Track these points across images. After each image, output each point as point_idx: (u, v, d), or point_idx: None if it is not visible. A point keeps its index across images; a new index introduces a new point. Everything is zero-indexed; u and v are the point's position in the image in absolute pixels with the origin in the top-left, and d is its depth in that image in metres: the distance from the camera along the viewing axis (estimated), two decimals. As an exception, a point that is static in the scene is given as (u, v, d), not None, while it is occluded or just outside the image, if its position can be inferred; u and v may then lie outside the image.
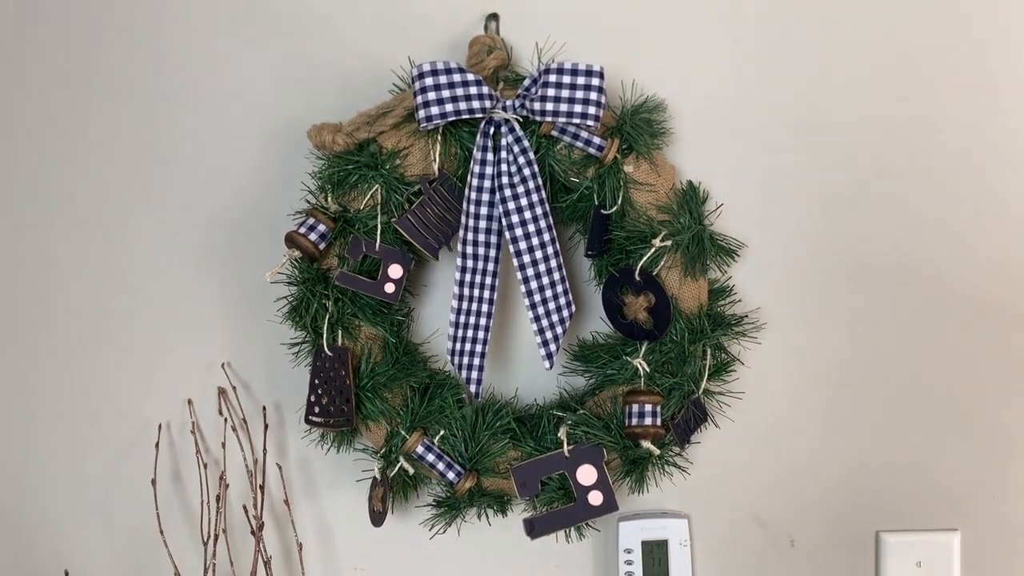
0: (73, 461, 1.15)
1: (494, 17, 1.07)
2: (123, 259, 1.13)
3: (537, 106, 0.97)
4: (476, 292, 1.03)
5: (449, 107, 0.97)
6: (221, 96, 1.11)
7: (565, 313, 1.02)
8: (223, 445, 1.13)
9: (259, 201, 1.12)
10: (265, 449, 1.12)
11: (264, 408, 1.14)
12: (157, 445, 1.13)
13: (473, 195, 1.01)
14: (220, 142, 1.12)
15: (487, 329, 1.04)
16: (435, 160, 1.01)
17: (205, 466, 1.13)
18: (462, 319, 1.03)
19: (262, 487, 1.11)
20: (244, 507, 1.10)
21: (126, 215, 1.13)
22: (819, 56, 1.09)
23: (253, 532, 1.08)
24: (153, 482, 1.11)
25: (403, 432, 1.05)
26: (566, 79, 0.97)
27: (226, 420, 1.13)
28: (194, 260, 1.13)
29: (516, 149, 0.99)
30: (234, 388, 1.14)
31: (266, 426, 1.13)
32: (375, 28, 1.09)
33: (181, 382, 1.14)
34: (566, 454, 1.03)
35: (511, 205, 0.99)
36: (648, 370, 1.03)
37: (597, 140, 1.00)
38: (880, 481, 1.14)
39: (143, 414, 1.14)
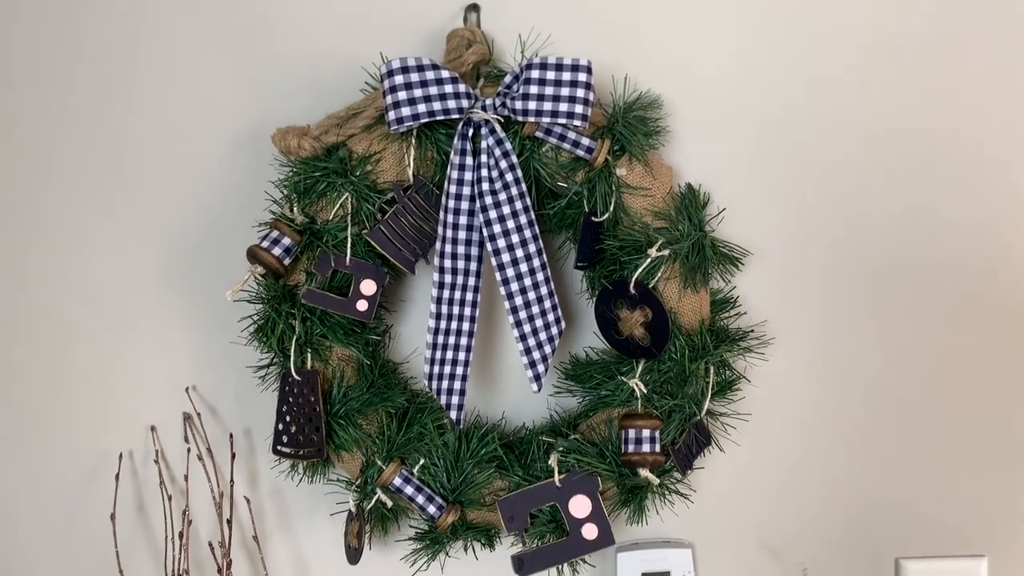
0: (27, 495, 1.09)
1: (474, 8, 1.02)
2: (79, 277, 1.07)
3: (519, 105, 0.91)
4: (455, 310, 0.96)
5: (422, 107, 0.90)
6: (179, 99, 1.05)
7: (554, 331, 0.96)
8: (185, 478, 1.05)
9: (223, 212, 1.06)
10: (232, 480, 1.05)
11: (231, 435, 1.07)
12: (117, 476, 1.06)
13: (451, 203, 0.94)
14: (179, 149, 1.05)
15: (468, 350, 0.97)
16: (410, 165, 0.95)
17: (170, 498, 1.06)
18: (440, 339, 0.96)
19: (230, 521, 1.03)
20: (210, 544, 1.02)
21: (80, 229, 1.06)
22: (828, 48, 1.04)
23: (220, 571, 1.00)
24: (112, 517, 1.04)
25: (379, 462, 0.98)
26: (550, 75, 0.90)
27: (189, 450, 1.05)
28: (155, 276, 1.07)
29: (497, 152, 0.93)
30: (198, 414, 1.07)
31: (233, 455, 1.06)
32: (346, 22, 1.03)
33: (143, 408, 1.08)
34: (557, 484, 0.97)
35: (493, 213, 0.93)
36: (645, 391, 0.97)
37: (586, 141, 0.94)
38: (899, 504, 1.09)
39: (102, 443, 1.08)
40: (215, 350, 1.07)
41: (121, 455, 1.07)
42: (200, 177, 1.05)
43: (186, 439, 1.07)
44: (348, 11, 1.03)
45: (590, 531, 0.96)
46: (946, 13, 1.03)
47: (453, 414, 0.97)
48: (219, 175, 1.05)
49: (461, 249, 0.95)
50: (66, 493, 1.08)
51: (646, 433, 0.95)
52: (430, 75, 0.90)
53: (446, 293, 0.95)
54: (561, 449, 0.98)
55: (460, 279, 0.96)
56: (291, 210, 0.96)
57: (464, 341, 0.96)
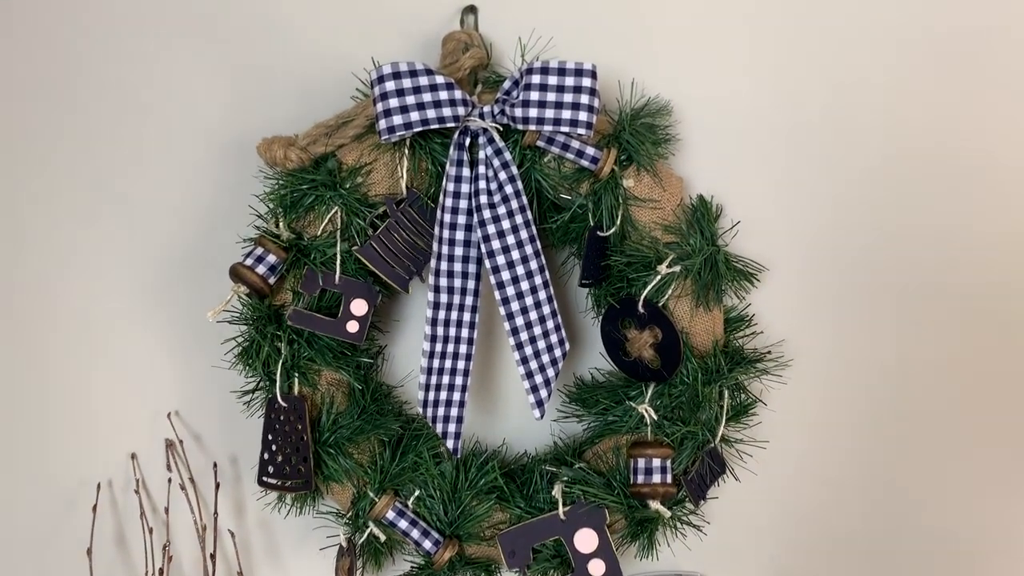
0: None
1: (472, 10, 0.97)
2: (55, 296, 1.02)
3: (519, 112, 0.86)
4: (452, 331, 0.91)
5: (415, 116, 0.85)
6: (158, 107, 1.00)
7: (557, 353, 0.91)
8: (166, 510, 1.00)
9: (205, 228, 1.01)
10: (216, 512, 1.00)
11: (215, 464, 1.02)
12: (95, 508, 1.01)
13: (447, 217, 0.89)
14: (157, 160, 1.01)
15: (466, 374, 0.92)
16: (403, 177, 0.91)
17: (151, 531, 1.00)
18: (436, 363, 0.90)
19: (213, 556, 0.98)
20: (193, 580, 0.97)
21: (54, 246, 1.02)
22: (850, 50, 0.99)
23: (203, 610, 0.95)
24: (89, 552, 0.99)
25: (371, 494, 0.93)
26: (552, 80, 0.85)
27: (170, 480, 1.00)
28: (134, 295, 1.02)
29: (496, 163, 0.88)
30: (181, 442, 1.02)
31: (217, 485, 1.01)
32: (335, 25, 0.99)
33: (123, 434, 1.03)
34: (562, 516, 0.93)
35: (491, 228, 0.88)
36: (656, 418, 0.92)
37: (591, 150, 0.90)
38: (928, 537, 1.05)
39: (79, 472, 1.03)
40: (199, 374, 1.02)
41: (99, 485, 1.02)
42: (180, 190, 1.01)
43: (169, 467, 1.02)
44: (338, 13, 0.99)
45: (597, 567, 0.92)
46: (979, 14, 0.98)
47: (450, 443, 0.92)
48: (201, 188, 1.01)
49: (458, 266, 0.90)
50: (40, 525, 1.04)
51: (656, 463, 0.91)
52: (424, 81, 0.85)
53: (442, 314, 0.90)
54: (566, 479, 0.93)
55: (457, 298, 0.90)
56: (277, 225, 0.92)
57: (461, 365, 0.91)
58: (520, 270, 0.88)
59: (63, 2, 0.98)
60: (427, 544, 0.92)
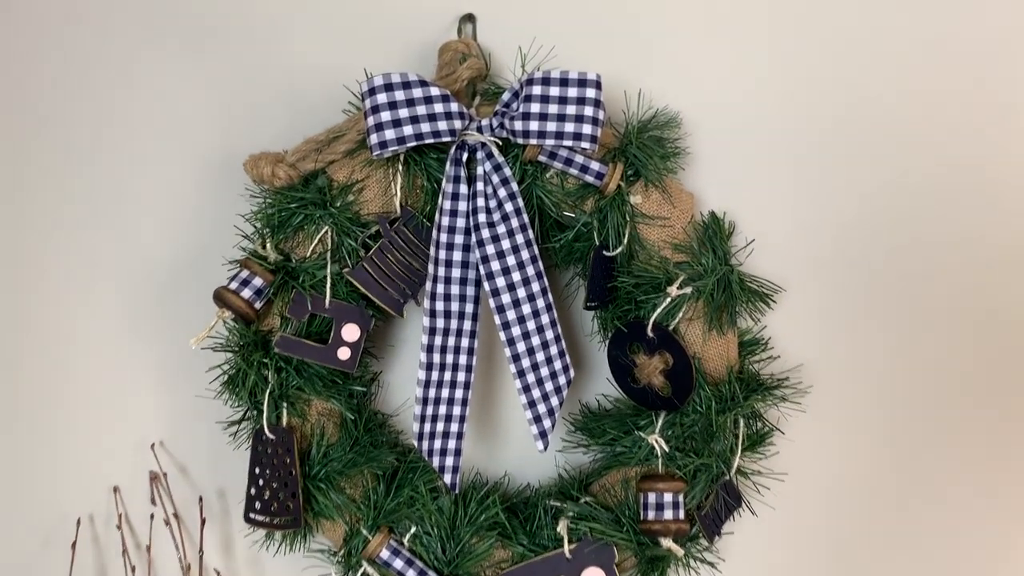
0: (-25, 566, 1.01)
1: (470, 18, 0.95)
2: (33, 322, 0.99)
3: (519, 125, 0.83)
4: (449, 358, 0.87)
5: (408, 130, 0.82)
6: (140, 122, 0.98)
7: (561, 380, 0.87)
8: (148, 549, 0.97)
9: (189, 249, 0.99)
10: (202, 549, 0.96)
11: (201, 499, 0.99)
12: (74, 545, 0.97)
13: (443, 237, 0.86)
14: (139, 178, 0.98)
15: (464, 404, 0.88)
16: (396, 195, 0.88)
17: (133, 569, 0.97)
18: (432, 393, 0.86)
19: (198, 597, 0.93)
20: (176, 624, 0.92)
21: (34, 270, 0.99)
22: (867, 60, 0.96)
23: (186, 656, 0.90)
24: None
25: (364, 531, 0.89)
26: (554, 91, 0.82)
27: (153, 516, 0.96)
28: (117, 320, 1.00)
29: (495, 179, 0.85)
30: (165, 474, 0.98)
31: (203, 520, 0.97)
32: (327, 36, 0.97)
33: (105, 466, 1.00)
34: (567, 555, 0.89)
35: (490, 248, 0.84)
36: (667, 449, 0.88)
37: (595, 165, 0.87)
38: (956, 572, 1.01)
39: (59, 506, 1.00)
40: (184, 402, 0.99)
41: (79, 520, 0.99)
42: (163, 209, 0.98)
43: (153, 501, 0.98)
44: (330, 23, 0.96)
45: (605, 608, 0.88)
46: (999, 21, 0.95)
47: (447, 478, 0.88)
48: (184, 207, 0.98)
49: (455, 289, 0.86)
50: (15, 563, 1.00)
51: (668, 497, 0.87)
52: (418, 93, 0.82)
53: (438, 340, 0.86)
54: (571, 515, 0.90)
55: (454, 323, 0.87)
56: (263, 246, 0.88)
57: (460, 394, 0.87)
58: (521, 292, 0.85)
59: (50, 13, 0.96)
60: (424, 585, 0.88)
